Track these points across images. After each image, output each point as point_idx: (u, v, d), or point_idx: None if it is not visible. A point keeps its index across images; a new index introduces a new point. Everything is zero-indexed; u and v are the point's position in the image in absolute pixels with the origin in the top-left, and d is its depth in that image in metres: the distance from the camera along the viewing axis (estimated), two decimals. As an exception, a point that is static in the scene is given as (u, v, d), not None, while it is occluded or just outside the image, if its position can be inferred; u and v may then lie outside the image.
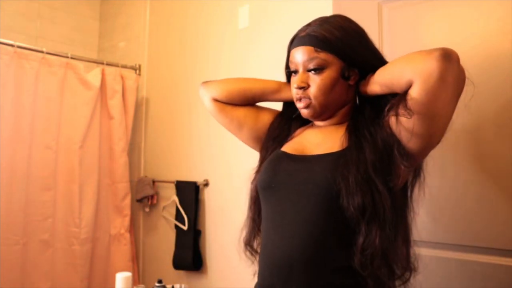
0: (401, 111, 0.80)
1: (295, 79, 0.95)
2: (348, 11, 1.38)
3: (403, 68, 0.81)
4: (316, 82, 0.91)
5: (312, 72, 0.91)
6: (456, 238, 1.06)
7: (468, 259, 1.11)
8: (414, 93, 0.78)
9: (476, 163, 1.13)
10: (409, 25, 1.26)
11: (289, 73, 1.00)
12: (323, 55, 0.90)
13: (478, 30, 1.14)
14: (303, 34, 0.94)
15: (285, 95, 1.05)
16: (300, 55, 0.93)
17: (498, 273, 1.06)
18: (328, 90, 0.91)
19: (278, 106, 1.12)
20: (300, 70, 0.94)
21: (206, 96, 1.14)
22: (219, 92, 1.11)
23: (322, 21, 0.93)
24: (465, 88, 0.80)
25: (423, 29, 1.23)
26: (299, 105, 0.95)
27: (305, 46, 0.92)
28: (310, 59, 0.91)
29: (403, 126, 0.82)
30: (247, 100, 1.11)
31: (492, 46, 1.11)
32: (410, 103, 0.78)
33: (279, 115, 1.11)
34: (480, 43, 1.13)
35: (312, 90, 0.92)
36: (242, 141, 1.16)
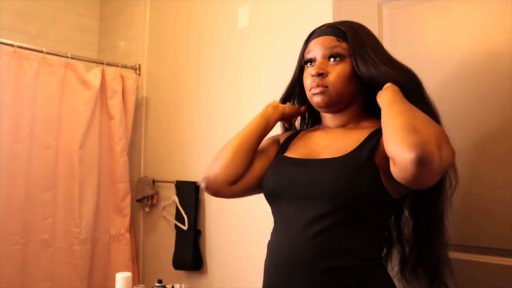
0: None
1: (312, 67, 0.94)
2: (348, 11, 1.39)
3: (393, 133, 0.74)
4: (336, 70, 0.92)
5: (332, 59, 0.92)
6: (455, 238, 1.06)
7: (467, 259, 1.11)
8: (392, 171, 0.75)
9: (474, 163, 1.13)
10: (409, 25, 1.26)
11: (301, 67, 1.00)
12: (344, 45, 0.92)
13: (478, 30, 1.14)
14: (323, 28, 0.96)
15: (273, 120, 1.04)
16: (322, 43, 0.94)
17: (499, 273, 1.06)
18: (347, 79, 0.92)
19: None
20: (319, 58, 0.94)
21: (224, 188, 1.00)
22: (230, 172, 0.99)
23: (342, 21, 0.98)
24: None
25: (423, 29, 1.23)
26: (315, 91, 0.93)
27: (327, 36, 0.94)
28: (332, 47, 0.92)
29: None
30: (253, 153, 1.02)
31: (492, 46, 1.11)
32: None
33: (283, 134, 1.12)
34: (480, 43, 1.13)
35: (332, 77, 0.92)
36: None
